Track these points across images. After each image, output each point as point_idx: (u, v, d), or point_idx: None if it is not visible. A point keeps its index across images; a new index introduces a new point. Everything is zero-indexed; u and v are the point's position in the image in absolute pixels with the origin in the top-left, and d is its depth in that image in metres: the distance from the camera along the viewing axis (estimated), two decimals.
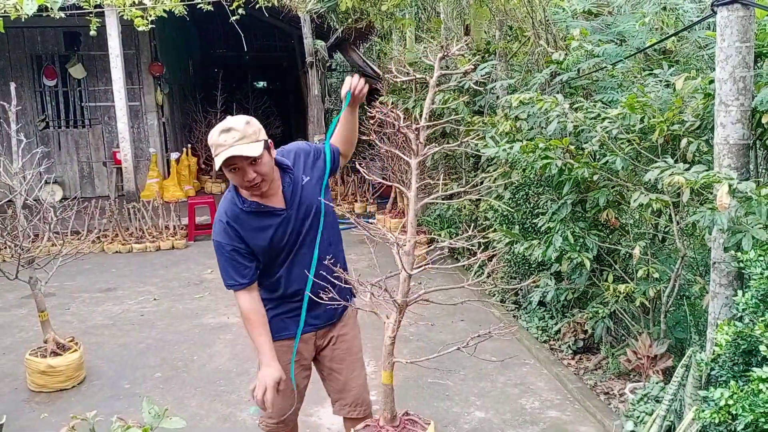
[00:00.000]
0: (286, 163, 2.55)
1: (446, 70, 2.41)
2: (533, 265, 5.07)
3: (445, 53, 2.16)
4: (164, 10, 6.29)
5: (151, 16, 6.15)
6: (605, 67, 4.15)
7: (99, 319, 5.79)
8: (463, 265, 6.84)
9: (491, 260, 3.96)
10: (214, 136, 2.38)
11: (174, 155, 10.90)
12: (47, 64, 10.54)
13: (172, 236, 8.36)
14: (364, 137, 7.31)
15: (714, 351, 2.57)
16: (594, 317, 3.95)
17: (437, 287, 2.45)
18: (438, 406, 4.06)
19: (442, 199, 6.98)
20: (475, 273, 5.69)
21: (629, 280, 3.85)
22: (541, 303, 5.14)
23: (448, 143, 6.60)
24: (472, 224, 6.48)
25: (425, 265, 2.47)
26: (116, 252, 8.13)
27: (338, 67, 14.33)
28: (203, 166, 11.97)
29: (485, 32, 6.65)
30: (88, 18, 7.23)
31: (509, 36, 5.60)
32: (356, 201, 9.48)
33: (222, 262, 2.56)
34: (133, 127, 10.92)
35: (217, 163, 2.36)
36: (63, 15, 7.42)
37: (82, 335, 5.39)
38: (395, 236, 2.35)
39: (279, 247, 2.56)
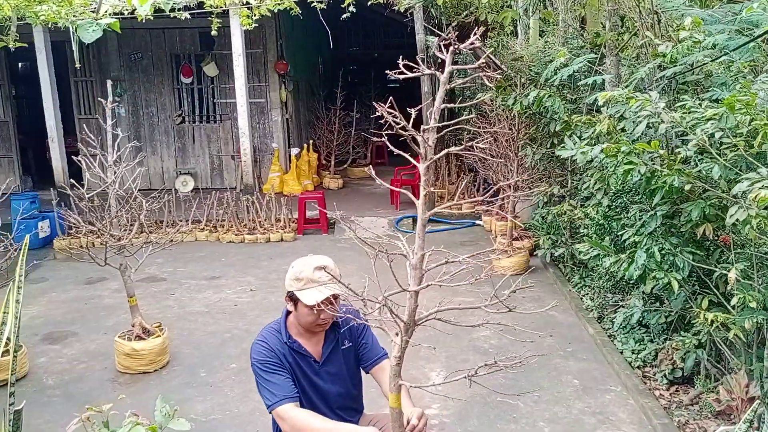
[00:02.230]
0: (336, 319, 2.56)
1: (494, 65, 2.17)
2: (631, 281, 4.58)
3: (456, 46, 1.92)
4: (275, 10, 6.46)
5: (255, 15, 6.33)
6: (714, 59, 3.60)
7: (197, 306, 6.06)
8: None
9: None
10: (306, 272, 2.45)
11: (294, 151, 11.23)
12: (184, 62, 11.28)
13: (282, 229, 8.61)
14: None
15: None
16: (684, 347, 3.45)
17: (456, 306, 2.19)
18: (502, 428, 3.77)
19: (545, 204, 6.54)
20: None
21: (730, 308, 3.31)
22: (641, 324, 4.64)
23: (553, 144, 6.16)
24: (575, 230, 6.02)
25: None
26: (229, 242, 8.51)
27: (462, 63, 14.05)
28: (324, 161, 12.25)
29: (601, 23, 6.12)
30: (210, 18, 7.60)
31: (620, 27, 5.09)
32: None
33: (264, 380, 2.52)
34: (258, 122, 11.42)
35: (311, 298, 2.41)
36: (188, 16, 7.90)
37: (177, 320, 5.68)
38: (407, 247, 2.14)
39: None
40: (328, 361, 2.61)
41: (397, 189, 2.44)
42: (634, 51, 4.90)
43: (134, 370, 4.57)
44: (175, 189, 11.01)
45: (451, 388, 3.95)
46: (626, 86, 4.13)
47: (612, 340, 4.77)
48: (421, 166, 2.06)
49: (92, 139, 4.36)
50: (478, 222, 8.65)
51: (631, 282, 4.65)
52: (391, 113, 2.01)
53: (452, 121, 2.05)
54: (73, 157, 4.50)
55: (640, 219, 3.59)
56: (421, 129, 2.00)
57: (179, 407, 4.28)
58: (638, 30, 4.51)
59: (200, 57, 11.21)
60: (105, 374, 4.61)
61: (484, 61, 1.92)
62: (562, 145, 3.73)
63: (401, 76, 1.97)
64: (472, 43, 1.94)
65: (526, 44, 9.23)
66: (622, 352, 4.55)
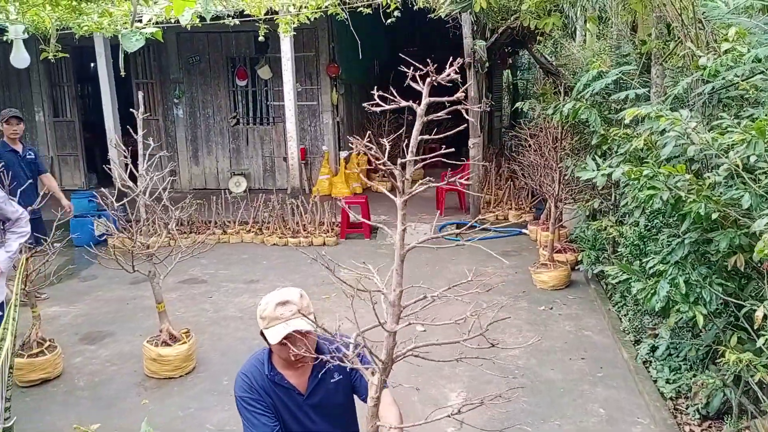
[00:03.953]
0: (323, 349, 2.43)
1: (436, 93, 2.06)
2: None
3: (434, 77, 1.82)
4: (313, 18, 6.47)
5: (294, 23, 6.35)
6: (748, 77, 3.33)
7: (231, 311, 6.14)
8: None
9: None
10: (268, 309, 2.37)
11: (343, 154, 11.27)
12: (239, 65, 11.51)
13: (325, 233, 8.64)
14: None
15: None
16: (710, 385, 3.22)
17: (434, 342, 2.08)
18: None
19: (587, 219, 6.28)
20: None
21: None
22: (678, 352, 4.39)
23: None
24: (617, 247, 5.75)
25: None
26: (273, 244, 8.61)
27: (521, 65, 13.75)
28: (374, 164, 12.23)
29: (650, 31, 5.81)
30: (257, 24, 7.69)
31: (666, 35, 4.82)
32: (511, 209, 8.97)
33: (245, 417, 2.49)
34: (310, 125, 11.53)
35: (274, 337, 2.34)
36: (237, 22, 8.04)
37: (210, 325, 5.77)
38: (382, 284, 2.05)
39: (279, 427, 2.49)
40: (314, 394, 2.54)
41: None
42: (679, 61, 4.63)
43: (160, 375, 4.66)
44: (229, 189, 11.27)
45: (468, 412, 3.84)
46: (663, 101, 3.90)
47: (647, 367, 4.52)
48: (398, 201, 1.98)
49: (123, 150, 4.46)
50: (524, 231, 8.43)
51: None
52: (367, 146, 1.94)
53: (431, 155, 1.95)
54: (105, 167, 4.62)
55: (668, 245, 3.37)
56: (398, 162, 1.92)
57: (196, 416, 4.34)
58: (682, 39, 4.25)
59: (255, 60, 11.40)
60: (133, 378, 4.73)
61: (462, 93, 1.81)
62: (583, 165, 3.55)
63: (377, 109, 1.88)
64: (449, 75, 1.84)
65: (583, 48, 8.92)
66: (655, 381, 4.30)
